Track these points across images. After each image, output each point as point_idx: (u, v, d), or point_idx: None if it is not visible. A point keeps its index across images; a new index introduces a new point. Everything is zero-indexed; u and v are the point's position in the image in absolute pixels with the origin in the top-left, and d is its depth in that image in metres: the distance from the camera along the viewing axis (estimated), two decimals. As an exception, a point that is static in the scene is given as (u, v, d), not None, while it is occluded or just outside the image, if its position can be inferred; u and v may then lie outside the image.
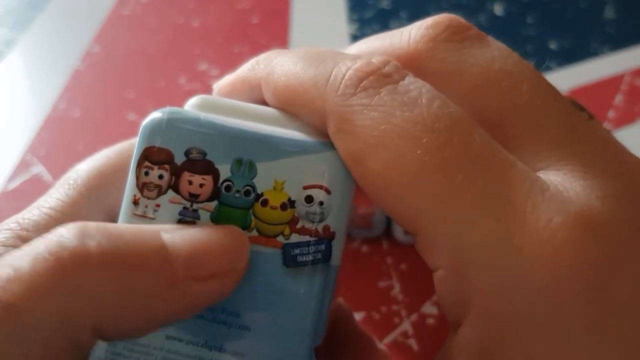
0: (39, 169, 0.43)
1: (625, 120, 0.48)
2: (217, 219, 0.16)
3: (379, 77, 0.15)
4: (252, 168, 0.16)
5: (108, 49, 0.58)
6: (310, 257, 0.16)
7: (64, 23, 0.63)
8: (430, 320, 0.32)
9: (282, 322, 0.16)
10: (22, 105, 0.50)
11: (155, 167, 0.16)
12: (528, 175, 0.14)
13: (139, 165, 0.17)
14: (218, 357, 0.16)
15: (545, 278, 0.13)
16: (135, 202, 0.17)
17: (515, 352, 0.13)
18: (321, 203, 0.16)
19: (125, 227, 0.15)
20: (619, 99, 0.50)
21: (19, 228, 0.17)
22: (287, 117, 0.18)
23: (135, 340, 0.16)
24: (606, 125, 0.47)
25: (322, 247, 0.16)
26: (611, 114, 0.48)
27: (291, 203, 0.16)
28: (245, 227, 0.16)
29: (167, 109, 0.17)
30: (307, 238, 0.16)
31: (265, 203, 0.16)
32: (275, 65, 0.18)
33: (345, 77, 0.15)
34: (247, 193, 0.16)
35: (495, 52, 0.17)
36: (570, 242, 0.13)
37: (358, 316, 0.32)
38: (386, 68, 0.16)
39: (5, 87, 0.53)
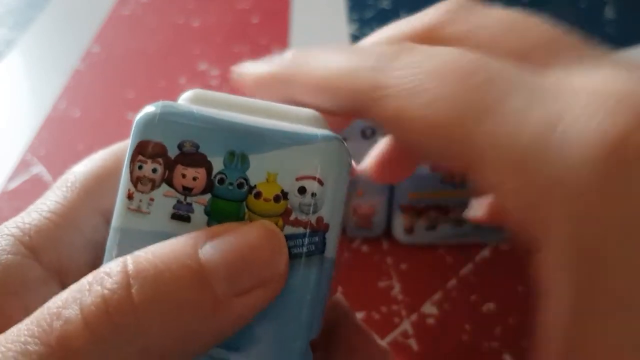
0: (39, 169, 0.43)
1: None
2: (211, 212, 0.16)
3: (412, 48, 0.17)
4: (244, 160, 0.16)
5: (108, 49, 0.58)
6: (305, 249, 0.16)
7: (64, 23, 0.63)
8: (430, 320, 0.32)
9: (277, 315, 0.16)
10: (22, 105, 0.50)
11: (149, 161, 0.16)
12: (564, 77, 0.15)
13: (133, 159, 0.17)
14: (212, 352, 0.16)
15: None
16: (130, 197, 0.17)
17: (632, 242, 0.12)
18: (314, 194, 0.16)
19: (160, 255, 0.14)
20: (618, 99, 0.50)
21: (20, 234, 0.17)
22: (280, 110, 0.18)
23: None
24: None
25: (316, 239, 0.16)
26: (611, 114, 0.48)
27: (284, 195, 0.16)
28: (239, 219, 0.16)
29: (160, 103, 0.17)
30: (300, 230, 0.16)
31: (258, 195, 0.16)
32: (310, 60, 0.18)
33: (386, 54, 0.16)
34: (240, 185, 0.16)
35: (503, 10, 0.19)
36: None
37: (358, 316, 0.32)
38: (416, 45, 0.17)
39: (5, 87, 0.53)
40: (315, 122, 0.17)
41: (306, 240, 0.16)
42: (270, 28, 0.61)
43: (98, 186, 0.18)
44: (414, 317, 0.32)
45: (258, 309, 0.15)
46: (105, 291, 0.14)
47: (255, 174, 0.16)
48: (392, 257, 0.36)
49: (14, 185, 0.42)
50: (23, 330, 0.13)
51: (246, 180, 0.16)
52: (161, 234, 0.16)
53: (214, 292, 0.14)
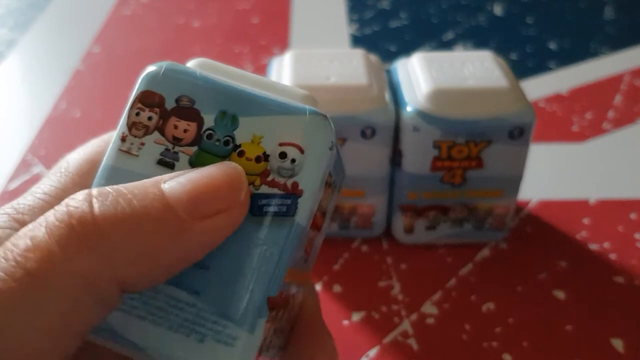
0: (39, 169, 0.43)
1: (625, 120, 0.48)
2: (194, 162, 0.17)
3: None
4: (234, 121, 0.17)
5: (108, 49, 0.58)
6: (276, 209, 0.17)
7: (64, 23, 0.63)
8: (430, 320, 0.32)
9: (240, 267, 0.17)
10: (22, 105, 0.51)
11: (147, 109, 0.18)
12: None
13: (132, 106, 0.18)
14: (173, 292, 0.17)
15: None
16: (123, 139, 0.18)
17: None
18: (293, 160, 0.17)
19: (125, 185, 0.16)
20: (618, 99, 0.50)
21: (15, 212, 0.18)
22: (278, 86, 0.19)
23: None
24: (606, 125, 0.47)
25: (289, 201, 0.17)
26: (611, 114, 0.48)
27: (265, 157, 0.17)
28: None
29: (166, 62, 0.18)
30: (275, 191, 0.17)
31: (241, 154, 0.17)
32: None
33: None
34: (226, 143, 0.17)
35: None
36: None
37: (358, 316, 0.32)
38: None
39: (6, 88, 0.53)
40: (308, 100, 0.18)
41: (279, 201, 0.17)
42: (270, 28, 0.61)
43: (91, 171, 0.19)
44: (414, 316, 0.32)
45: (222, 233, 0.16)
46: (70, 208, 0.15)
47: (242, 134, 0.17)
48: (392, 257, 0.36)
49: (14, 185, 0.42)
50: None
51: (232, 138, 0.17)
52: (145, 176, 0.17)
53: (177, 213, 0.15)
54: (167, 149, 0.17)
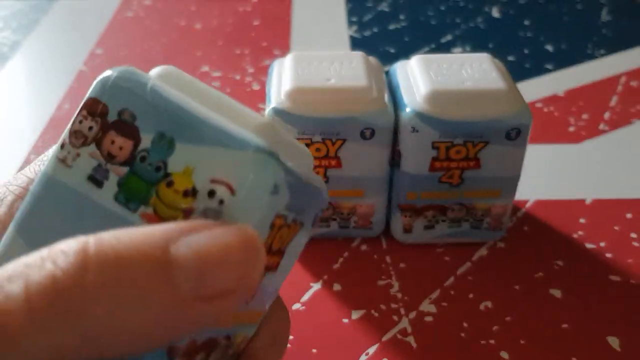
0: (43, 169, 0.44)
1: (621, 122, 0.48)
2: (122, 185, 0.16)
3: None
4: (171, 146, 0.16)
5: (111, 51, 0.58)
6: None
7: (67, 25, 0.63)
8: (429, 319, 0.33)
9: None
10: (26, 106, 0.51)
11: (89, 118, 0.17)
12: None
13: (79, 113, 0.17)
14: None
15: None
16: (62, 146, 0.17)
17: None
18: (221, 201, 0.15)
19: (128, 238, 0.13)
20: (614, 100, 0.51)
21: None
22: (238, 110, 0.17)
23: None
24: (602, 126, 0.48)
25: None
26: (607, 115, 0.49)
27: (193, 192, 0.15)
28: (145, 201, 0.16)
29: (123, 68, 0.17)
30: None
31: (170, 184, 0.16)
32: None
33: None
34: (157, 169, 0.16)
35: None
36: None
37: (358, 314, 0.33)
38: None
39: (10, 89, 0.53)
40: (264, 131, 0.16)
41: None
42: (271, 30, 0.62)
43: None
44: (412, 315, 0.33)
45: (218, 319, 0.14)
46: (57, 271, 0.13)
47: (176, 163, 0.16)
48: (391, 256, 0.37)
49: (18, 185, 0.42)
50: None
51: (165, 165, 0.16)
52: (73, 190, 0.16)
53: (177, 289, 0.13)
54: (99, 165, 0.16)
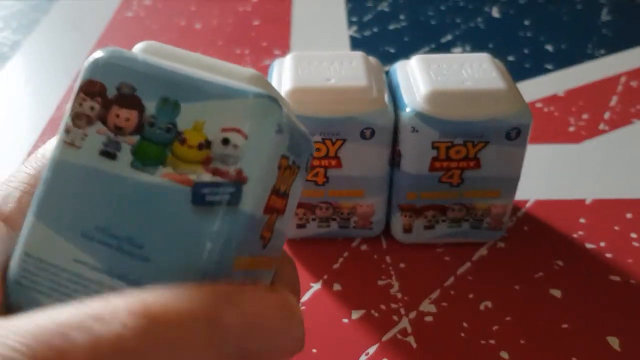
0: (43, 169, 0.44)
1: (621, 122, 0.48)
2: (136, 152, 0.17)
3: None
4: (176, 107, 0.17)
5: (111, 51, 0.58)
6: (219, 198, 0.16)
7: (67, 25, 0.63)
8: (429, 318, 0.33)
9: (180, 258, 0.16)
10: (26, 106, 0.51)
11: (89, 99, 0.17)
12: None
13: (76, 97, 0.17)
14: (116, 285, 0.17)
15: None
16: (67, 131, 0.17)
17: None
18: (236, 146, 0.16)
19: (178, 300, 0.14)
20: (614, 100, 0.51)
21: None
22: (224, 67, 0.18)
23: (46, 259, 0.17)
24: (602, 126, 0.48)
25: (232, 189, 0.16)
26: (607, 115, 0.49)
27: (207, 144, 0.17)
28: (162, 162, 0.17)
29: (109, 48, 0.18)
30: (218, 179, 0.16)
31: (183, 141, 0.17)
32: None
33: None
34: (168, 130, 0.17)
35: None
36: None
37: (358, 314, 0.33)
38: None
39: (10, 89, 0.53)
40: (255, 81, 0.18)
41: (222, 190, 0.16)
42: (271, 30, 0.62)
43: None
44: (412, 315, 0.33)
45: None
46: (122, 329, 0.14)
47: (184, 121, 0.17)
48: (391, 256, 0.37)
49: (19, 185, 0.42)
50: (20, 332, 0.13)
51: (174, 125, 0.17)
52: (88, 168, 0.17)
53: (223, 352, 0.14)
54: (109, 139, 0.17)
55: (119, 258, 0.17)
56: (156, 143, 0.17)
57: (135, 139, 0.17)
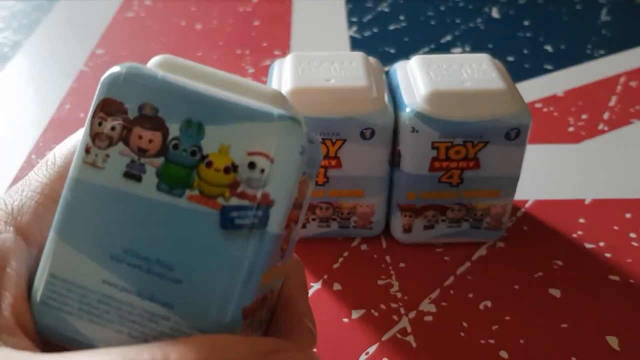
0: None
1: (620, 122, 0.48)
2: (162, 175, 0.17)
3: None
4: (200, 130, 0.17)
5: (112, 51, 0.58)
6: (247, 221, 0.17)
7: (68, 26, 0.64)
8: (428, 318, 0.33)
9: (212, 280, 0.17)
10: (27, 107, 0.51)
11: (109, 119, 0.17)
12: None
13: (94, 115, 0.17)
14: (147, 307, 0.17)
15: None
16: (87, 151, 0.17)
17: None
18: (262, 170, 0.17)
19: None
20: (614, 100, 0.51)
21: (7, 217, 0.18)
22: (245, 85, 0.18)
23: (73, 280, 0.17)
24: (601, 126, 0.48)
25: (260, 212, 0.17)
26: (606, 115, 0.49)
27: (234, 167, 0.17)
28: (189, 185, 0.17)
29: (127, 64, 0.17)
30: (245, 202, 0.17)
31: (209, 165, 0.17)
32: None
33: None
34: (193, 153, 0.17)
35: None
36: None
37: (358, 313, 0.33)
38: None
39: (11, 89, 0.53)
40: (277, 101, 0.18)
41: (250, 213, 0.17)
42: (271, 30, 0.62)
43: None
44: (412, 314, 0.33)
45: None
46: None
47: (209, 144, 0.17)
48: (391, 256, 0.37)
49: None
50: None
51: (199, 148, 0.17)
52: (112, 189, 0.17)
53: None
54: (132, 161, 0.17)
55: (150, 280, 0.17)
56: (182, 166, 0.17)
57: (160, 161, 0.17)
